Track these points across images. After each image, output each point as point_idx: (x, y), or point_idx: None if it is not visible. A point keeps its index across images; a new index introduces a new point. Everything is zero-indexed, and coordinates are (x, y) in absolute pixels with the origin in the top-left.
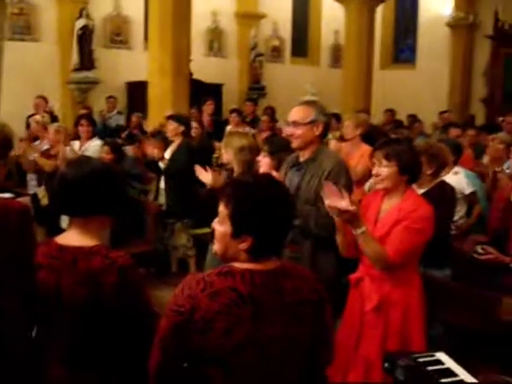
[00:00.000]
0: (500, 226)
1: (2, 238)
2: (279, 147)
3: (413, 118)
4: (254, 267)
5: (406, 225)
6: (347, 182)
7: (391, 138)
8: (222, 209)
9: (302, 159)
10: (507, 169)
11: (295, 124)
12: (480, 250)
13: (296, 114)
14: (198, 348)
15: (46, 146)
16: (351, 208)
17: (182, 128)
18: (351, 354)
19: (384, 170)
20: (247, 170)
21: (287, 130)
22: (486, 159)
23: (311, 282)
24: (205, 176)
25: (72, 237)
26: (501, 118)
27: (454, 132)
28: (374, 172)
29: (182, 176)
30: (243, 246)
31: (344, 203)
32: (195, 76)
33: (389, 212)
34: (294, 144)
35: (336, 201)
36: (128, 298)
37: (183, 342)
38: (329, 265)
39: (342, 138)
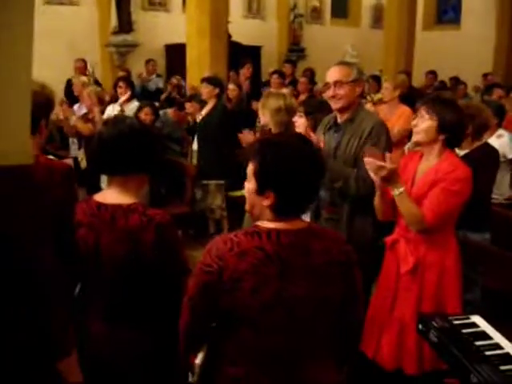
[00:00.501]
0: None
1: (46, 197)
2: (315, 108)
3: (456, 81)
4: (281, 226)
5: (443, 186)
6: (387, 141)
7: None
8: (249, 166)
9: (340, 120)
10: None
11: (338, 84)
12: None
13: (338, 73)
14: (227, 307)
15: (84, 110)
16: (390, 165)
17: (216, 90)
18: (386, 316)
19: (423, 122)
20: (284, 131)
21: (329, 92)
22: None
23: (340, 243)
24: (248, 139)
25: (110, 195)
26: None
27: (497, 93)
28: (413, 123)
29: (214, 137)
30: (266, 202)
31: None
32: (234, 38)
33: (426, 173)
34: (337, 105)
35: (376, 159)
36: (165, 255)
37: (211, 302)
38: (366, 227)
39: (381, 101)
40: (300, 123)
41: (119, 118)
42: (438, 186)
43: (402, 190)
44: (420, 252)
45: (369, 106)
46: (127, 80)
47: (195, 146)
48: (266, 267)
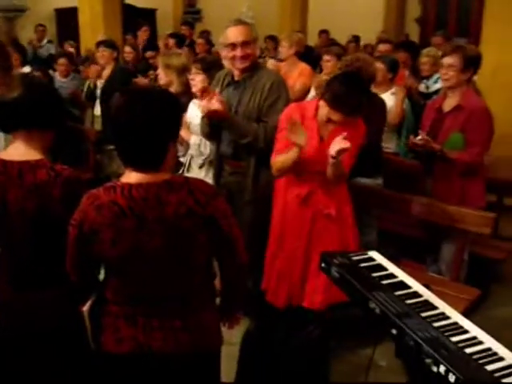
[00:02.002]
0: (429, 134)
1: None
2: (211, 65)
3: (356, 39)
4: (134, 180)
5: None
6: (287, 97)
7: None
8: None
9: (237, 78)
10: (435, 82)
11: (245, 44)
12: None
13: (242, 33)
14: (94, 256)
15: None
16: (347, 145)
17: (114, 53)
18: (301, 265)
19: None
20: (186, 90)
21: (237, 52)
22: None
23: (201, 194)
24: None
25: (17, 152)
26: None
27: (383, 47)
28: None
29: None
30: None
31: (343, 143)
32: (127, 0)
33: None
34: (245, 64)
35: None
36: (73, 210)
37: (81, 252)
38: (271, 180)
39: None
40: (198, 80)
41: (18, 76)
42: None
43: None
44: (337, 198)
45: (271, 62)
46: (16, 45)
47: (98, 111)
48: (121, 221)
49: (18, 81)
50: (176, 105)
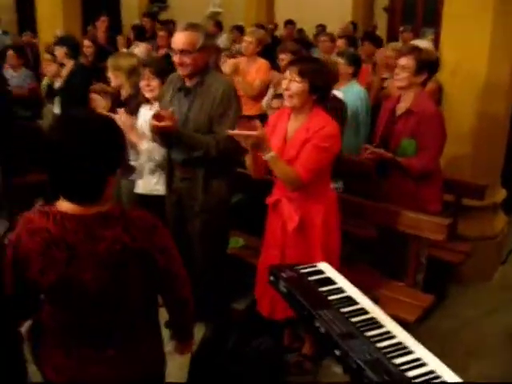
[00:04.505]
0: (382, 137)
1: None
2: (164, 68)
3: (322, 28)
4: (68, 210)
5: (315, 143)
6: (238, 106)
7: (305, 55)
8: None
9: (188, 84)
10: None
11: (184, 53)
12: (364, 152)
13: (183, 41)
14: (28, 281)
15: None
16: (257, 133)
17: (69, 50)
18: None
19: (296, 85)
20: (136, 93)
21: (175, 59)
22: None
23: (140, 231)
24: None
25: None
26: (401, 28)
27: (340, 42)
28: (284, 87)
29: (78, 99)
30: None
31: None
32: None
33: (297, 131)
34: (184, 72)
35: (242, 128)
36: None
37: (17, 273)
38: (221, 187)
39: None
40: (154, 86)
41: None
42: (310, 143)
43: (272, 154)
44: (303, 208)
45: (230, 60)
46: None
47: (57, 109)
48: (51, 251)
49: None
50: (118, 136)
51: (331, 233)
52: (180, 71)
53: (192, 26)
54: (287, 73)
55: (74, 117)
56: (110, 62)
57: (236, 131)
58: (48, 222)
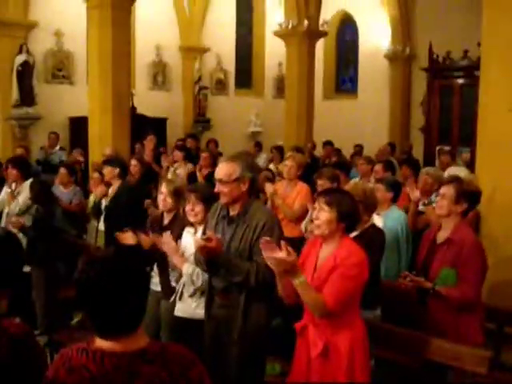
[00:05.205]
0: (422, 266)
1: None
2: (209, 195)
3: (359, 148)
4: (107, 347)
5: (341, 272)
6: (280, 233)
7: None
8: None
9: (232, 213)
10: (432, 202)
11: (221, 182)
12: (403, 280)
13: (221, 171)
14: None
15: None
16: (289, 258)
17: (116, 170)
18: None
19: (324, 214)
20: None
21: (216, 188)
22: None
23: (179, 366)
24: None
25: None
26: (437, 148)
27: (378, 167)
28: (313, 216)
29: (123, 218)
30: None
31: (281, 254)
32: (139, 110)
33: (326, 259)
34: (223, 200)
35: (274, 252)
36: (22, 375)
37: None
38: (261, 314)
39: (281, 175)
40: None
41: None
42: (337, 271)
43: (302, 279)
44: (328, 336)
45: (269, 185)
46: (15, 161)
47: (102, 226)
48: None
49: None
50: (143, 275)
51: (357, 361)
52: (221, 199)
53: (232, 158)
54: (316, 203)
55: (101, 260)
56: (167, 185)
57: (270, 254)
58: (87, 361)
